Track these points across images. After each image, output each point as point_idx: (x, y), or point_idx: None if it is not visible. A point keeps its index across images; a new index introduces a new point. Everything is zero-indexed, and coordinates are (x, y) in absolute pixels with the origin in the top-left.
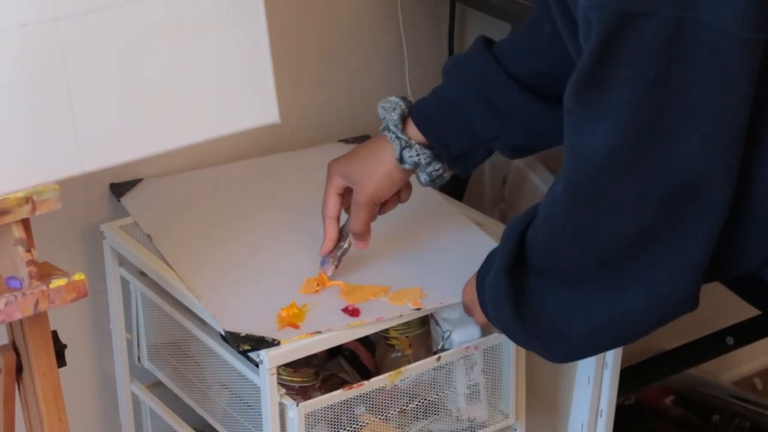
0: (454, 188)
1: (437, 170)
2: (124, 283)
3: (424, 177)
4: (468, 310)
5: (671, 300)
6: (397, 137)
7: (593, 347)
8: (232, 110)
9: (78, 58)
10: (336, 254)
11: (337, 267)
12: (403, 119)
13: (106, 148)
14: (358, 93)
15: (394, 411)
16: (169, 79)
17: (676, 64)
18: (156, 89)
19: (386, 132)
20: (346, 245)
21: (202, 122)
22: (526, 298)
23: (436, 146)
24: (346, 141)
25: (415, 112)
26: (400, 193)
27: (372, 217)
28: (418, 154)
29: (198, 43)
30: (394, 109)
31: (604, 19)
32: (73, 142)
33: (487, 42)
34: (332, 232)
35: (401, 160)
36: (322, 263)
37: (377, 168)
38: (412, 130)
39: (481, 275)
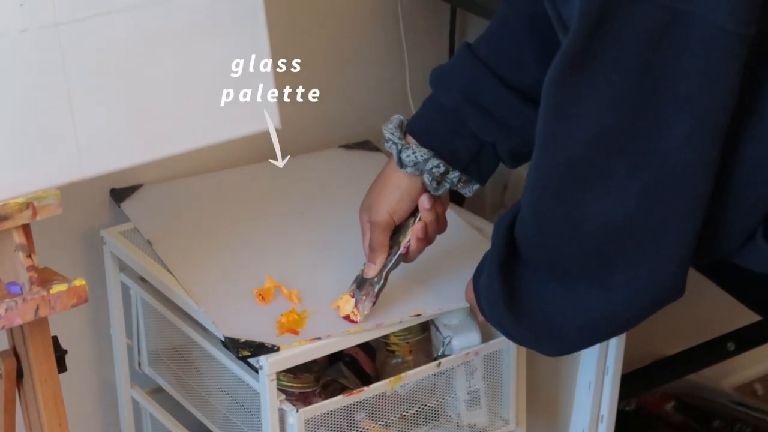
0: (455, 194)
1: (437, 167)
2: (125, 289)
3: (427, 178)
4: (473, 310)
5: (658, 293)
6: (394, 142)
7: (586, 341)
8: (233, 116)
9: (78, 64)
10: (372, 291)
11: (374, 304)
12: (402, 129)
13: (107, 153)
14: (359, 99)
15: (395, 417)
16: (170, 85)
17: (664, 53)
18: (157, 95)
19: (385, 143)
20: (382, 281)
21: (202, 128)
22: (518, 293)
23: (444, 155)
24: (347, 147)
25: (411, 126)
26: (438, 220)
27: (387, 237)
28: (414, 153)
29: (198, 49)
30: (392, 121)
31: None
32: (73, 147)
33: (470, 47)
34: (379, 260)
35: (401, 163)
36: (357, 300)
37: (385, 184)
38: (412, 142)
39: (477, 274)
